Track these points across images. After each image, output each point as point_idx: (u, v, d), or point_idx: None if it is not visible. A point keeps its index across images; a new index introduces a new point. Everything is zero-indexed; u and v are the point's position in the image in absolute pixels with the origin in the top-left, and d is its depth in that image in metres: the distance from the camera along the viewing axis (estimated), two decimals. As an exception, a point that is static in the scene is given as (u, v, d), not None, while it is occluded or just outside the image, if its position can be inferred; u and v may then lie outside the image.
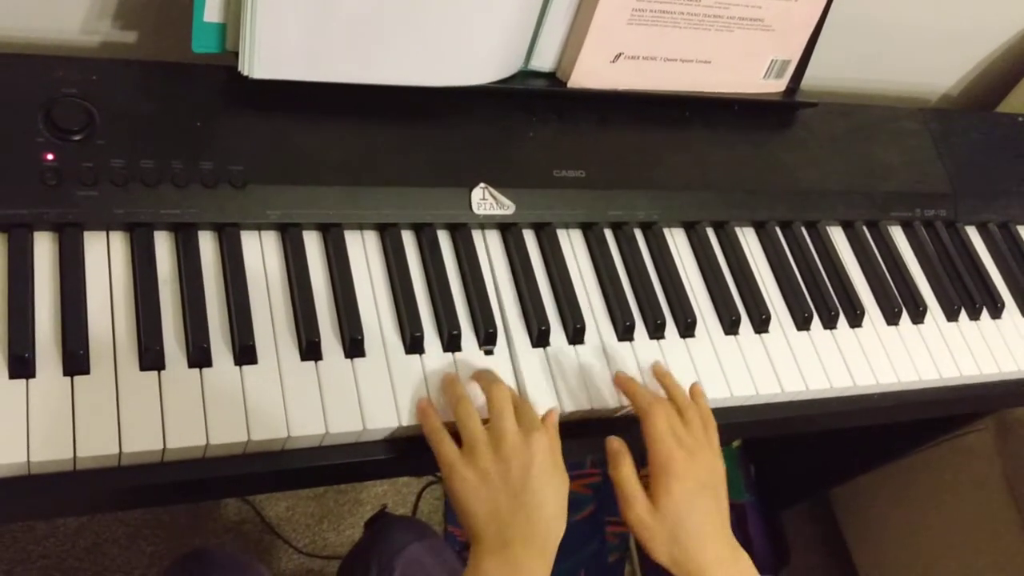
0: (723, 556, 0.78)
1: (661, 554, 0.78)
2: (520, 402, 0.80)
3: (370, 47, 0.87)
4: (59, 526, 1.55)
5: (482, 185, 0.92)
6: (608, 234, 0.98)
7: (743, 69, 1.06)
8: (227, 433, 0.74)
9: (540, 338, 0.88)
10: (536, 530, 0.73)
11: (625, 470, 0.80)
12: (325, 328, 0.82)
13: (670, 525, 0.77)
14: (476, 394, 0.83)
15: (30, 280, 0.75)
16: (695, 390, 0.88)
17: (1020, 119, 1.28)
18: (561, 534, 0.75)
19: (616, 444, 0.82)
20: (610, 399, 0.88)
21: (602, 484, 1.82)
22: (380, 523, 1.19)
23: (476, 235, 0.92)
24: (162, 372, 0.75)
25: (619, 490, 0.80)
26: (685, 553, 0.77)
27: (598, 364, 0.89)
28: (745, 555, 0.80)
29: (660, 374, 0.89)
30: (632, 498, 0.79)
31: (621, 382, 0.87)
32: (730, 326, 0.97)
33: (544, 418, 0.80)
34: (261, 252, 0.84)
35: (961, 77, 1.40)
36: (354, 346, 0.82)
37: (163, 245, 0.81)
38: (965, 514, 1.55)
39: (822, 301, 1.02)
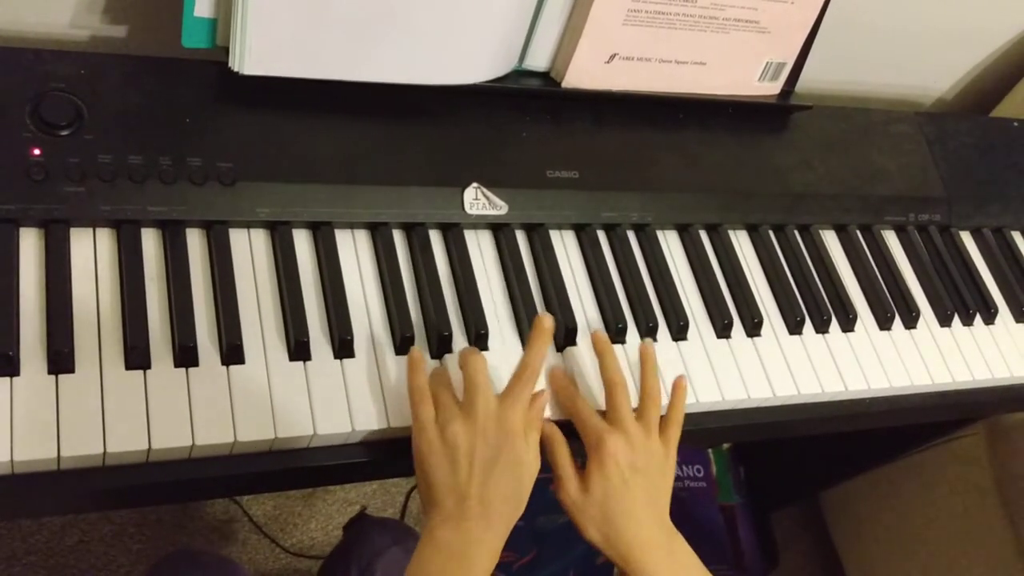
0: (655, 538, 0.78)
1: (592, 533, 0.79)
2: (515, 376, 0.79)
3: (362, 44, 0.86)
4: (45, 523, 1.53)
5: (475, 185, 0.91)
6: (601, 235, 0.97)
7: (738, 71, 1.06)
8: (213, 434, 0.73)
9: (531, 340, 0.88)
10: (493, 508, 0.73)
11: (558, 451, 0.81)
12: (314, 328, 0.81)
13: (599, 504, 0.78)
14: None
15: (15, 276, 0.74)
16: (677, 384, 0.88)
17: (1015, 124, 1.28)
18: (519, 513, 0.76)
19: (548, 429, 0.82)
20: (601, 400, 0.87)
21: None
22: (359, 525, 1.19)
23: (468, 235, 0.92)
24: (148, 371, 0.74)
25: (553, 471, 0.81)
26: (615, 532, 0.78)
27: (589, 366, 0.89)
28: (682, 541, 0.80)
29: (644, 356, 0.88)
30: (563, 478, 0.80)
31: (551, 379, 0.86)
32: (722, 329, 0.96)
33: (533, 400, 0.80)
34: (250, 250, 0.83)
35: (956, 81, 1.40)
36: (343, 346, 0.81)
37: (150, 242, 0.80)
38: (955, 519, 1.55)
39: (815, 305, 1.02)
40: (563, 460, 0.80)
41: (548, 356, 0.88)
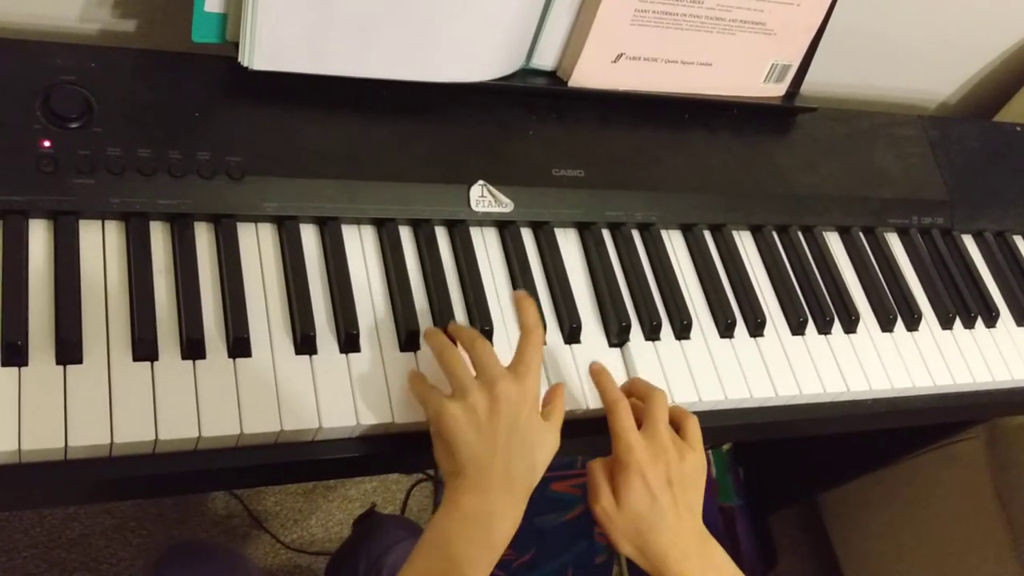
0: (688, 547, 0.78)
1: (624, 545, 0.79)
2: (522, 348, 0.80)
3: (371, 41, 0.86)
4: (46, 517, 1.54)
5: (481, 182, 0.91)
6: (606, 234, 0.98)
7: (744, 72, 1.06)
8: (219, 426, 0.73)
9: (536, 337, 0.88)
10: (514, 478, 0.74)
11: (596, 464, 0.81)
12: (320, 322, 0.81)
13: (631, 517, 0.78)
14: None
15: (24, 267, 0.75)
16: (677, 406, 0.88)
17: (1018, 128, 1.28)
18: (536, 482, 0.76)
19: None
20: (595, 396, 0.87)
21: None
22: (369, 521, 1.19)
23: (474, 232, 0.92)
24: (155, 363, 0.74)
25: (588, 481, 0.81)
26: (647, 545, 0.78)
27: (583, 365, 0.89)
28: (715, 545, 0.80)
29: (637, 385, 0.88)
30: (597, 490, 0.80)
31: (594, 374, 0.87)
32: (725, 329, 0.97)
33: (555, 388, 0.82)
34: (257, 244, 0.84)
35: (960, 86, 1.40)
36: (349, 341, 0.81)
37: (159, 235, 0.80)
38: (953, 522, 1.55)
39: (817, 306, 1.02)
40: (600, 473, 0.80)
41: (550, 353, 0.88)
